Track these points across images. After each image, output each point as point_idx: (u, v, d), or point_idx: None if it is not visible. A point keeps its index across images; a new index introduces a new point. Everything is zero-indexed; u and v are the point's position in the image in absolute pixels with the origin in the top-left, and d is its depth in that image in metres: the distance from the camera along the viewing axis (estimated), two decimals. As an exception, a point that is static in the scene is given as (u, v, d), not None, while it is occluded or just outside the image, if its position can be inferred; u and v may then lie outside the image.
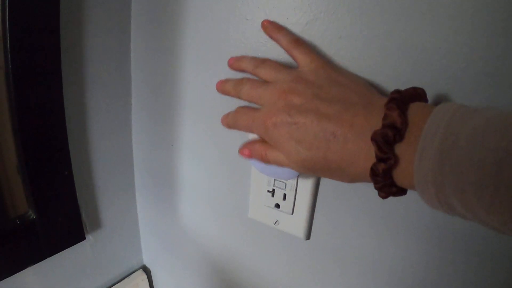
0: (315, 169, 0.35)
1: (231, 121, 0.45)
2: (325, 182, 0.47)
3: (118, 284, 0.73)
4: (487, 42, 0.34)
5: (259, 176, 0.51)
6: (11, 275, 0.54)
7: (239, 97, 0.43)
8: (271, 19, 0.45)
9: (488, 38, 0.33)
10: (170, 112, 0.61)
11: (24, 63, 0.47)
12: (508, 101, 0.34)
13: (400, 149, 0.29)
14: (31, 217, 0.55)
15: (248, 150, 0.42)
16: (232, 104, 0.53)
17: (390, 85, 0.40)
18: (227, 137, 0.55)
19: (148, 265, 0.80)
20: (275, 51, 0.46)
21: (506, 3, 0.32)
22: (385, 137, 0.29)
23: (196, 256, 0.69)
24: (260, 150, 0.41)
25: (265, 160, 0.41)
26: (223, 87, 0.46)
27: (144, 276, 0.77)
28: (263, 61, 0.43)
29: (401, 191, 0.31)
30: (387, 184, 0.30)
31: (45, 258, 0.58)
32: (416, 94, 0.32)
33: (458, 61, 0.35)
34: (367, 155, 0.31)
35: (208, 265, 0.68)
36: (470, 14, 0.34)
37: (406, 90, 0.32)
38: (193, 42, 0.54)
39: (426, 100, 0.33)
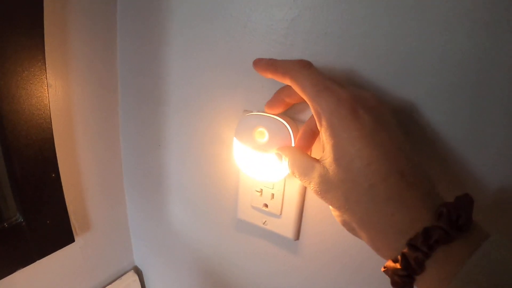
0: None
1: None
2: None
3: (109, 285, 0.72)
4: (476, 41, 0.33)
5: (248, 176, 0.50)
6: (0, 279, 0.54)
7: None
8: (256, 15, 0.45)
9: (477, 37, 0.33)
10: (157, 113, 0.60)
11: (7, 64, 0.46)
12: (495, 102, 0.34)
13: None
14: (19, 220, 0.54)
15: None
16: (218, 102, 0.52)
17: (377, 83, 0.39)
18: (215, 135, 0.54)
19: (139, 266, 0.80)
20: (263, 48, 0.46)
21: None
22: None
23: (187, 256, 0.68)
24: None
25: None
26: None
27: (136, 277, 0.77)
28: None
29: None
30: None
31: (34, 261, 0.57)
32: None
33: (447, 59, 0.35)
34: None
35: (199, 265, 0.67)
36: (460, 10, 0.33)
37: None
38: (178, 41, 0.53)
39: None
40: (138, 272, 0.79)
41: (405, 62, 0.37)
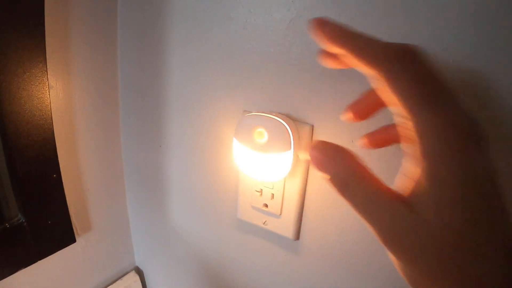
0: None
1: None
2: (313, 182, 0.47)
3: (110, 286, 0.73)
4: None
5: (247, 176, 0.50)
6: (1, 279, 0.54)
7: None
8: (255, 17, 0.45)
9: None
10: (158, 114, 0.61)
11: (8, 66, 0.46)
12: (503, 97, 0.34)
13: None
14: (21, 220, 0.54)
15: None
16: (218, 103, 0.52)
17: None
18: (215, 136, 0.55)
19: (140, 267, 0.80)
20: (262, 48, 0.46)
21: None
22: None
23: (188, 256, 0.69)
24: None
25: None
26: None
27: (137, 278, 0.77)
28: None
29: None
30: None
31: (36, 261, 0.58)
32: None
33: (448, 66, 0.35)
34: None
35: (200, 265, 0.67)
36: (458, 15, 0.33)
37: None
38: (178, 42, 0.54)
39: None
40: (139, 272, 0.80)
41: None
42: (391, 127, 0.28)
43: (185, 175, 0.62)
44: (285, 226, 0.50)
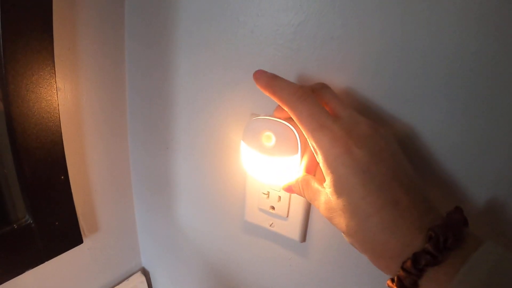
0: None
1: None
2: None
3: (116, 286, 0.73)
4: (487, 41, 0.33)
5: (255, 179, 0.51)
6: (9, 280, 0.54)
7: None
8: (263, 20, 0.45)
9: (486, 38, 0.33)
10: (165, 115, 0.61)
11: (17, 68, 0.46)
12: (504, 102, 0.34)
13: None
14: (29, 221, 0.55)
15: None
16: (225, 106, 0.53)
17: (383, 87, 0.39)
18: (222, 138, 0.55)
19: (146, 267, 0.80)
20: (270, 52, 0.46)
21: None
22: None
23: (194, 258, 0.69)
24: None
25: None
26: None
27: (143, 279, 0.77)
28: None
29: None
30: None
31: (43, 262, 0.58)
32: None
33: (455, 61, 0.35)
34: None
35: (206, 267, 0.68)
36: (466, 11, 0.33)
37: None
38: (186, 44, 0.54)
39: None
40: (145, 273, 0.80)
41: (410, 66, 0.37)
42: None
43: (192, 177, 0.62)
44: (291, 228, 0.50)
